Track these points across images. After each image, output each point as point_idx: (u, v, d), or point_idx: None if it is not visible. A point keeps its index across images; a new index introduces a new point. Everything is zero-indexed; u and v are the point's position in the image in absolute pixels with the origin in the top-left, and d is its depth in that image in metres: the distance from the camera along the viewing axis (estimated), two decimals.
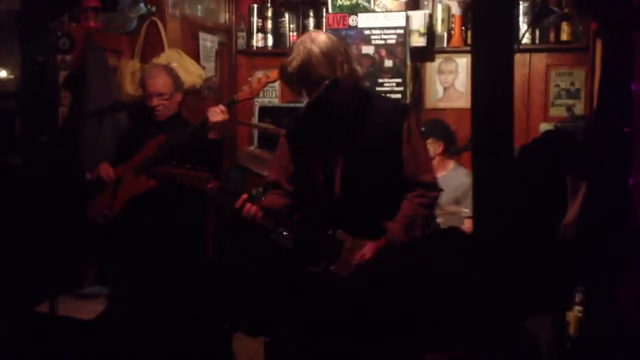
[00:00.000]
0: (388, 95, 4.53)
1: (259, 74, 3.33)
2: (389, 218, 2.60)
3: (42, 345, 3.22)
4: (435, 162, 4.11)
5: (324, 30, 4.80)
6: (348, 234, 2.58)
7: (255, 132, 5.04)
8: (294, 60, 2.47)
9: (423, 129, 4.15)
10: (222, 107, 3.41)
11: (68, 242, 3.74)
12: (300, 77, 2.49)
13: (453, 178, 4.03)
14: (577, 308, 2.68)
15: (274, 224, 2.74)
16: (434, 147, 4.13)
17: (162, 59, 4.27)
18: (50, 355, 3.18)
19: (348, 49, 2.62)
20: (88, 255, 4.06)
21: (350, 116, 2.60)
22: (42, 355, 3.21)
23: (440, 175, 4.11)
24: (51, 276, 3.46)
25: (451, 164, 4.17)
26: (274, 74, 3.34)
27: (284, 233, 2.95)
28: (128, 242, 3.51)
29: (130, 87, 4.14)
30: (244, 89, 3.47)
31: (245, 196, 2.56)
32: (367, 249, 2.57)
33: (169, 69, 3.72)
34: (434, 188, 2.68)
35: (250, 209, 2.55)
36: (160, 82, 3.53)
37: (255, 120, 4.95)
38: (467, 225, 3.59)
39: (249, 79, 3.38)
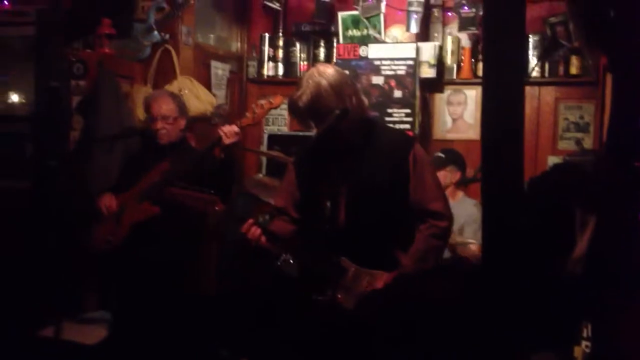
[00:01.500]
0: (397, 125, 4.56)
1: (262, 101, 3.31)
2: (394, 247, 2.61)
3: None
4: (448, 191, 4.11)
5: (335, 60, 4.86)
6: (352, 262, 2.58)
7: (264, 160, 5.06)
8: (304, 94, 2.50)
9: (443, 155, 4.15)
10: (235, 127, 3.36)
11: (73, 267, 3.74)
12: (310, 111, 2.51)
13: (461, 208, 4.03)
14: (585, 343, 2.65)
15: (279, 249, 2.75)
16: (451, 175, 4.13)
17: (174, 86, 4.31)
18: None
19: (355, 80, 2.64)
20: (91, 281, 4.06)
21: (356, 146, 2.62)
22: None
23: (450, 203, 4.11)
24: (56, 301, 3.46)
25: (460, 194, 4.17)
26: (276, 99, 3.33)
27: (290, 261, 2.94)
28: (131, 269, 3.50)
29: (142, 114, 4.16)
30: (247, 115, 3.45)
31: (251, 221, 2.58)
32: (380, 281, 2.56)
33: (174, 95, 3.73)
34: (444, 217, 2.66)
35: (255, 232, 2.56)
36: (164, 106, 3.54)
37: (264, 148, 4.97)
38: (472, 250, 3.57)
39: (252, 105, 3.35)
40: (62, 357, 3.13)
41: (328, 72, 2.55)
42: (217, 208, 2.77)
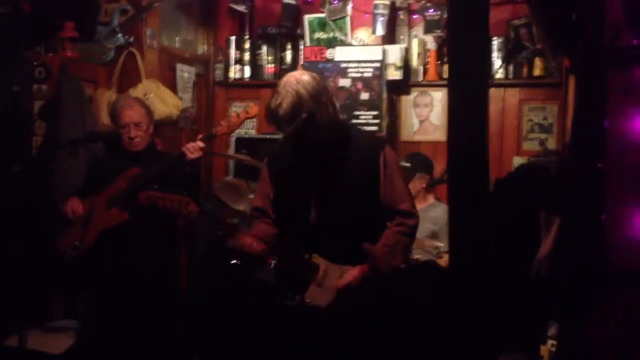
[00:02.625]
0: (364, 127, 4.57)
1: (238, 109, 3.33)
2: (364, 243, 2.66)
3: None
4: (419, 196, 4.12)
5: (301, 63, 4.85)
6: (323, 258, 2.65)
7: (232, 163, 5.03)
8: (283, 102, 2.52)
9: (408, 164, 4.15)
10: (199, 143, 3.38)
11: (37, 274, 3.67)
12: (288, 119, 2.54)
13: (432, 212, 4.05)
14: (551, 342, 2.68)
15: (264, 255, 2.78)
16: (420, 182, 4.13)
17: (139, 89, 4.26)
18: None
19: (326, 85, 2.72)
20: (57, 288, 3.99)
21: (326, 148, 2.67)
22: None
23: (420, 207, 4.13)
24: (19, 309, 3.39)
25: (431, 199, 4.18)
26: (253, 109, 3.36)
27: (269, 266, 2.96)
28: (99, 275, 3.44)
29: (106, 118, 4.10)
30: (222, 123, 3.45)
31: (250, 236, 2.68)
32: (349, 276, 2.63)
33: (140, 100, 3.69)
34: (412, 216, 2.75)
35: (252, 244, 2.67)
36: (137, 113, 3.50)
37: (231, 151, 4.94)
38: (445, 260, 3.59)
39: (227, 113, 3.36)
40: None
41: (305, 79, 2.58)
42: (190, 209, 2.80)
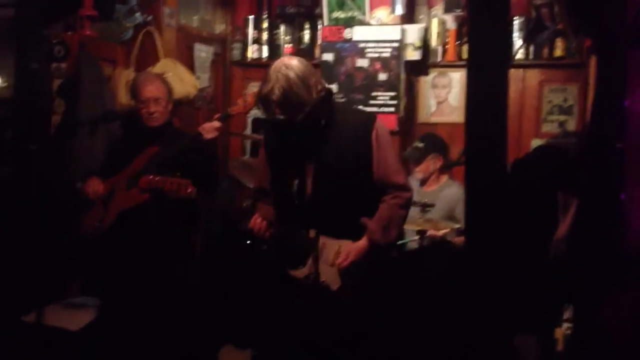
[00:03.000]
0: (381, 108, 4.55)
1: (254, 88, 3.34)
2: (359, 217, 2.77)
3: (29, 357, 3.18)
4: (433, 177, 4.11)
5: (319, 42, 4.83)
6: (320, 233, 2.73)
7: (248, 143, 5.04)
8: (275, 87, 2.61)
9: (422, 144, 4.14)
10: (215, 123, 3.39)
11: (56, 252, 3.71)
12: (281, 103, 2.63)
13: (446, 191, 4.03)
14: (566, 325, 2.67)
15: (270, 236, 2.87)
16: (434, 162, 4.11)
17: (157, 68, 4.27)
18: None
19: (313, 67, 2.80)
20: (76, 267, 4.03)
21: (321, 126, 2.76)
22: None
23: (434, 188, 4.11)
24: (38, 287, 3.43)
25: (444, 178, 4.16)
26: None
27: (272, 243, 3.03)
28: (119, 255, 3.47)
29: (124, 97, 4.12)
30: (238, 102, 3.46)
31: (256, 216, 2.80)
32: (348, 249, 2.74)
33: (162, 77, 3.70)
34: (406, 189, 2.86)
35: (261, 225, 2.78)
36: (157, 88, 3.51)
37: (248, 131, 4.95)
38: (460, 240, 3.58)
39: (244, 92, 3.37)
40: (45, 342, 3.10)
41: (294, 64, 2.67)
42: (189, 191, 2.94)
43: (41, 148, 3.46)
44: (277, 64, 2.70)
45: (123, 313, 3.39)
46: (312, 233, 2.74)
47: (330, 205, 2.72)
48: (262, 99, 2.67)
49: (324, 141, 2.76)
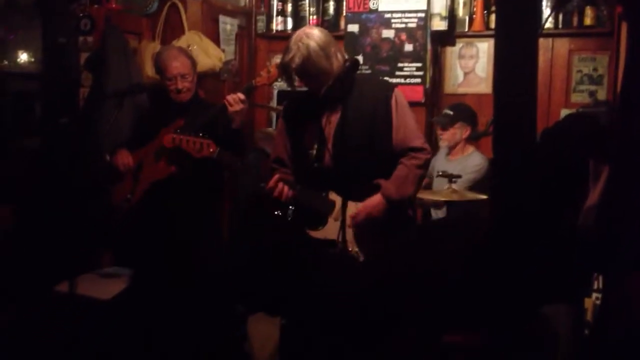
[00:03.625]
0: (407, 80, 4.52)
1: (278, 60, 3.33)
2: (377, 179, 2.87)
3: (61, 325, 3.26)
4: (459, 146, 4.10)
5: (344, 13, 4.79)
6: (339, 195, 2.86)
7: (274, 115, 5.04)
8: (296, 57, 2.71)
9: (451, 112, 4.12)
10: (240, 95, 3.38)
11: (88, 224, 3.77)
12: (302, 72, 2.74)
13: (471, 160, 4.02)
14: (595, 295, 2.66)
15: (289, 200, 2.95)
16: (461, 132, 4.09)
17: (182, 41, 4.28)
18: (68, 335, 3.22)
19: (332, 37, 2.87)
20: (107, 238, 4.10)
21: (340, 95, 2.81)
22: (61, 336, 3.25)
23: (458, 157, 4.10)
24: (71, 257, 3.50)
25: (470, 149, 4.14)
26: None
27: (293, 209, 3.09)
28: (149, 226, 3.52)
29: (150, 70, 4.14)
30: (262, 74, 3.45)
31: (277, 176, 2.87)
32: (364, 206, 2.85)
33: (184, 50, 3.69)
34: (424, 150, 2.92)
35: (281, 186, 2.86)
36: (182, 64, 3.51)
37: (274, 104, 4.95)
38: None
39: (267, 63, 3.37)
40: (78, 311, 3.17)
41: (315, 33, 2.76)
42: (212, 150, 3.00)
43: (70, 121, 3.51)
44: (298, 33, 2.79)
45: (153, 283, 3.45)
46: (332, 195, 2.86)
47: (350, 169, 2.79)
48: (283, 68, 2.78)
49: (344, 109, 2.82)
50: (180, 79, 3.48)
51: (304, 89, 2.98)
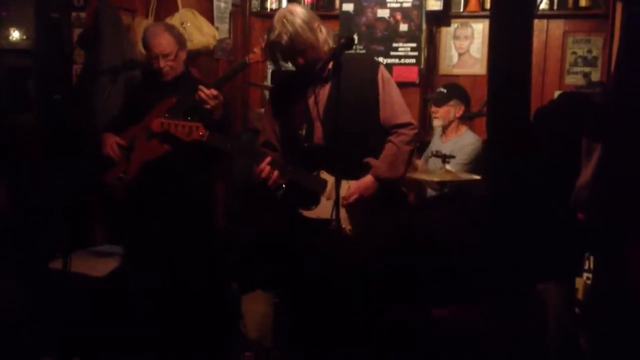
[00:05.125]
0: (402, 60, 4.52)
1: None
2: (367, 158, 2.89)
3: (55, 302, 3.27)
4: (452, 126, 4.10)
5: None
6: (329, 174, 2.88)
7: (267, 95, 5.03)
8: (283, 34, 2.72)
9: (445, 90, 4.12)
10: (213, 91, 3.14)
11: (81, 201, 3.77)
12: (290, 49, 2.74)
13: (464, 140, 4.03)
14: (586, 275, 2.69)
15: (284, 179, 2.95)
16: (455, 110, 4.09)
17: (175, 18, 4.24)
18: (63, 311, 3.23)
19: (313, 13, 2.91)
20: (101, 216, 4.10)
21: (327, 73, 2.85)
22: (55, 312, 3.26)
23: (452, 137, 4.11)
24: (64, 234, 3.50)
25: (464, 129, 4.15)
26: None
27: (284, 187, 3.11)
28: (142, 205, 3.52)
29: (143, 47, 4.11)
30: (255, 51, 3.43)
31: (269, 158, 2.85)
32: (356, 187, 2.86)
33: (169, 27, 3.58)
34: (411, 125, 2.94)
35: (269, 170, 2.84)
36: (163, 43, 3.43)
37: (268, 83, 4.93)
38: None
39: (260, 39, 3.34)
40: (71, 288, 3.19)
41: (297, 10, 2.78)
42: (201, 133, 2.96)
43: (64, 97, 3.49)
44: (281, 11, 2.80)
45: (146, 261, 3.46)
46: (323, 174, 2.88)
47: (340, 147, 2.78)
48: (271, 47, 2.77)
49: (331, 87, 2.85)
50: (162, 58, 3.43)
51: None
